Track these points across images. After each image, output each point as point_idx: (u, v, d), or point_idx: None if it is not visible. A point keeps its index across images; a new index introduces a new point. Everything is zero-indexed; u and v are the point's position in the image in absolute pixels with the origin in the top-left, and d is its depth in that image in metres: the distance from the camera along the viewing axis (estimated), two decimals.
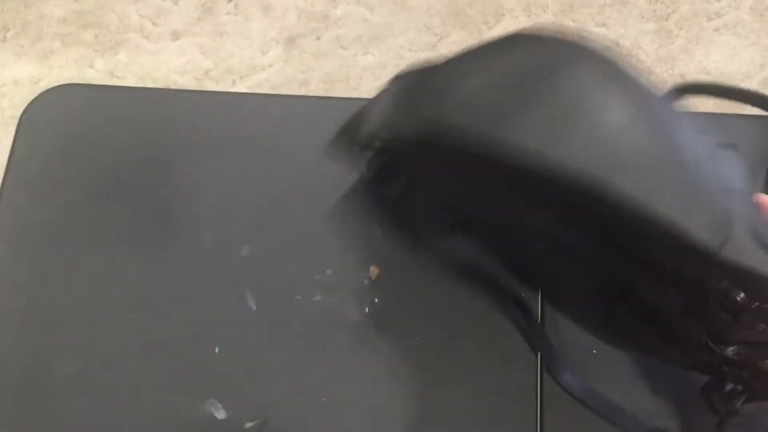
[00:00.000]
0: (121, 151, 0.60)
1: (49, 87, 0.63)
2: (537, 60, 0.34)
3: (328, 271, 0.51)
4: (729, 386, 0.37)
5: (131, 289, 0.55)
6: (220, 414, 0.49)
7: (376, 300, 0.50)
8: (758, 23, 1.13)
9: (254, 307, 0.51)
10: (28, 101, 0.62)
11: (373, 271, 0.51)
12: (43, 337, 0.54)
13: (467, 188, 0.40)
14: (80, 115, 0.62)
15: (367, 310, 0.50)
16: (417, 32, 1.10)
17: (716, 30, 1.13)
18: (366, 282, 0.51)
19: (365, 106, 0.44)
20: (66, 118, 0.62)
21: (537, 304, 0.48)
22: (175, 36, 1.07)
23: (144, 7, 1.10)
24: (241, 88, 1.05)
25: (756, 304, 0.33)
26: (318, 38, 1.09)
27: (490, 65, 0.35)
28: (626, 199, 0.31)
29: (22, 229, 0.58)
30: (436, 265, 0.49)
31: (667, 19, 1.14)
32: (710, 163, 0.33)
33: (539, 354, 0.46)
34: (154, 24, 1.08)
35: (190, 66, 1.05)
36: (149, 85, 1.07)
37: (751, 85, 1.09)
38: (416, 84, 0.39)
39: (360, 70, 1.07)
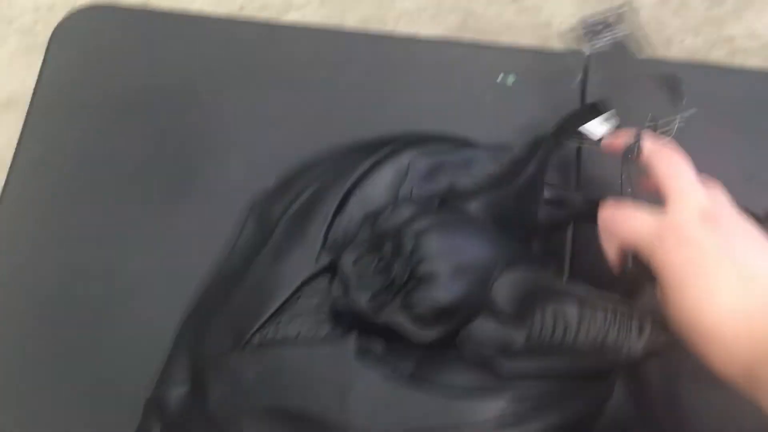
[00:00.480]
0: (150, 75, 0.59)
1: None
2: None
3: None
4: None
5: (157, 214, 0.54)
6: None
7: None
8: None
9: None
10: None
11: None
12: (69, 257, 0.54)
13: None
14: (110, 37, 0.61)
15: None
16: None
17: None
18: None
19: None
20: (96, 39, 0.61)
21: None
22: None
23: None
24: None
25: None
26: None
27: None
28: None
29: (50, 151, 0.58)
30: None
31: None
32: None
33: None
34: None
35: (226, 1, 1.03)
36: None
37: None
38: None
39: (397, 14, 1.05)
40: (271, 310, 0.42)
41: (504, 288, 0.40)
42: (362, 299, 0.39)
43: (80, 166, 0.57)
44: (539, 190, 0.46)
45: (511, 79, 0.53)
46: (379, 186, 0.46)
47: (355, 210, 0.45)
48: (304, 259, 0.43)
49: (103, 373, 0.50)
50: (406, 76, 0.56)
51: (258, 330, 0.42)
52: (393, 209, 0.42)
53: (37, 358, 0.51)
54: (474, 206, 0.44)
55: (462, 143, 0.48)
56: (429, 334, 0.39)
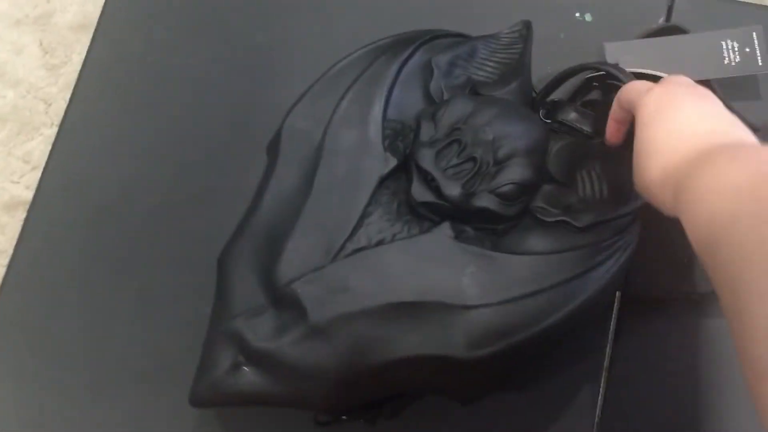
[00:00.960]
0: None
1: None
2: None
3: None
4: None
5: (219, 128, 0.57)
6: None
7: None
8: None
9: None
10: None
11: None
12: (128, 166, 0.57)
13: None
14: None
15: None
16: None
17: None
18: None
19: None
20: None
21: None
22: None
23: None
24: None
25: None
26: None
27: None
28: None
29: (117, 63, 0.60)
30: None
31: None
32: None
33: None
34: None
35: None
36: None
37: None
38: None
39: None
40: (356, 217, 0.44)
41: (555, 158, 0.46)
42: (455, 189, 0.43)
43: (145, 77, 0.60)
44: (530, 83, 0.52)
45: (588, 17, 0.57)
46: (411, 86, 0.48)
47: (395, 112, 0.47)
48: (372, 164, 0.45)
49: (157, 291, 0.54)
50: (479, 4, 0.59)
51: (347, 240, 0.44)
52: (449, 105, 0.45)
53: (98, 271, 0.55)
54: (499, 95, 0.49)
55: (459, 36, 0.52)
56: (513, 209, 0.44)
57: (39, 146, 1.12)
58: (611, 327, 0.51)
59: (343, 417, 0.49)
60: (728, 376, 0.50)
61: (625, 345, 0.51)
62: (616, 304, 0.52)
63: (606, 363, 0.51)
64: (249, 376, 0.44)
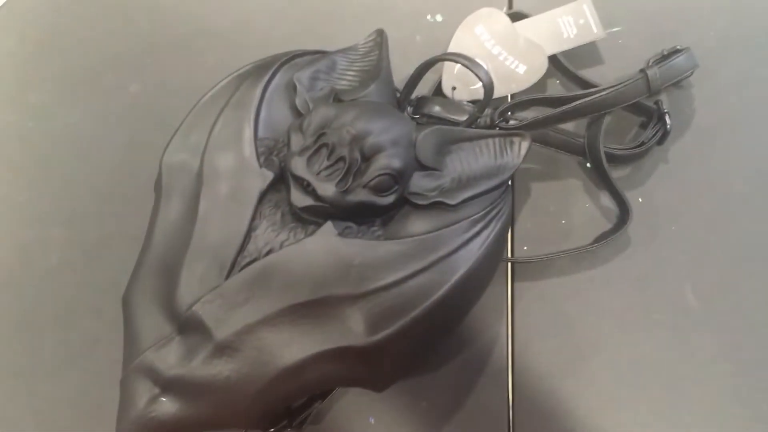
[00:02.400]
0: (91, 49, 0.62)
1: None
2: None
3: None
4: None
5: (106, 179, 0.58)
6: None
7: None
8: None
9: None
10: None
11: None
12: (22, 232, 0.56)
13: None
14: (52, 16, 0.63)
15: None
16: None
17: None
18: None
19: None
20: (39, 20, 0.64)
21: None
22: None
23: None
24: None
25: None
26: None
27: None
28: None
29: None
30: None
31: None
32: None
33: None
34: None
35: None
36: None
37: None
38: None
39: None
40: (243, 233, 0.46)
41: (422, 147, 0.49)
42: (330, 189, 0.46)
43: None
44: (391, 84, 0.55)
45: (439, 18, 0.61)
46: (277, 104, 0.51)
47: (267, 131, 0.50)
48: (251, 181, 0.48)
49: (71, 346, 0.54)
50: (338, 21, 0.62)
51: (237, 255, 0.46)
52: (313, 114, 0.48)
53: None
54: (361, 99, 0.52)
55: (318, 53, 0.55)
56: (388, 198, 0.47)
57: None
58: (507, 295, 0.55)
59: (271, 430, 0.50)
60: (617, 314, 0.54)
61: (524, 307, 0.54)
62: (508, 272, 0.55)
63: (508, 327, 0.54)
64: (168, 406, 0.46)
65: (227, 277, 0.46)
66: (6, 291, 0.56)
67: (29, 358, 0.54)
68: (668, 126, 0.55)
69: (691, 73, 0.57)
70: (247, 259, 0.46)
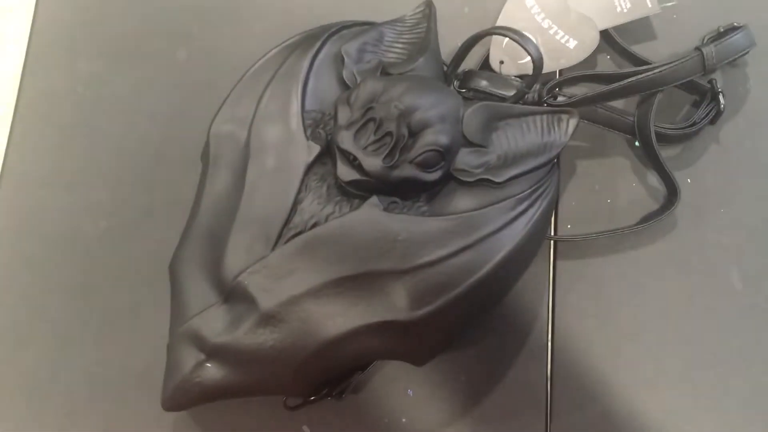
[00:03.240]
0: (137, 17, 0.63)
1: None
2: None
3: None
4: None
5: (154, 146, 0.59)
6: None
7: None
8: None
9: None
10: None
11: None
12: (71, 195, 0.58)
13: None
14: None
15: None
16: None
17: None
18: None
19: None
20: None
21: None
22: None
23: None
24: None
25: None
26: None
27: None
28: None
29: (48, 98, 0.61)
30: None
31: None
32: None
33: None
34: None
35: None
36: None
37: None
38: None
39: None
40: (289, 206, 0.47)
41: (469, 123, 0.49)
42: (377, 164, 0.46)
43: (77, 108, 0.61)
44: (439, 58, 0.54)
45: None
46: (325, 76, 0.51)
47: (313, 103, 0.50)
48: (297, 154, 0.48)
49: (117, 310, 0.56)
50: None
51: (284, 226, 0.46)
52: (360, 87, 0.48)
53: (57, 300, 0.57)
54: (409, 72, 0.52)
55: (366, 24, 0.55)
56: (435, 174, 0.47)
57: None
58: (550, 273, 0.54)
59: (312, 398, 0.51)
60: (666, 300, 0.53)
61: (565, 287, 0.54)
62: (551, 251, 0.55)
63: (550, 305, 0.54)
64: (213, 372, 0.47)
65: (273, 248, 0.46)
66: (55, 256, 0.57)
67: (78, 322, 0.56)
68: (722, 106, 0.54)
69: (747, 52, 0.55)
70: (293, 231, 0.46)
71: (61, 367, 0.55)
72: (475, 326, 0.52)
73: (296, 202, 0.47)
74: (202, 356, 0.47)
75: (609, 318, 0.53)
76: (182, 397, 0.47)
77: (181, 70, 0.61)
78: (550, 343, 0.53)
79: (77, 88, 0.62)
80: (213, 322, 0.47)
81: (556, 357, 0.53)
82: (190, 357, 0.47)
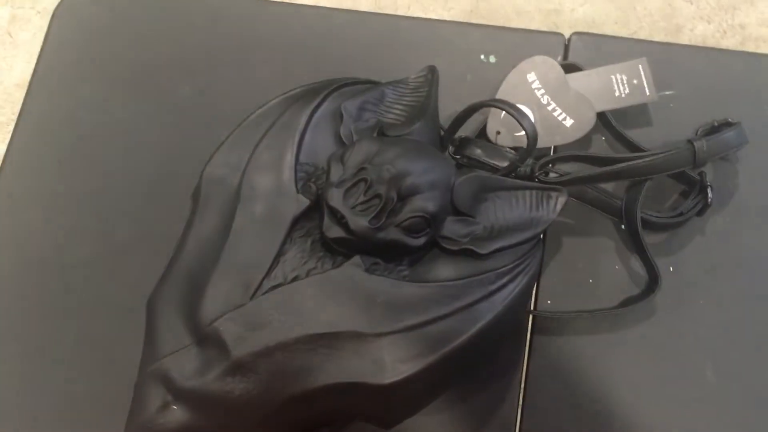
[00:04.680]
0: (147, 49, 0.64)
1: None
2: None
3: None
4: None
5: (148, 178, 0.60)
6: None
7: None
8: None
9: None
10: None
11: None
12: (61, 219, 0.59)
13: None
14: (112, 12, 0.65)
15: None
16: None
17: None
18: None
19: None
20: (98, 13, 0.65)
21: None
22: None
23: None
24: None
25: None
26: None
27: None
28: None
29: (49, 120, 0.62)
30: None
31: None
32: None
33: None
34: None
35: None
36: None
37: None
38: None
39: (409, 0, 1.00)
40: (272, 256, 0.47)
41: (459, 192, 0.49)
42: (363, 224, 0.46)
43: (76, 133, 0.62)
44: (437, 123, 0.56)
45: (492, 59, 0.62)
46: (322, 131, 0.52)
47: (308, 156, 0.51)
48: (286, 205, 0.48)
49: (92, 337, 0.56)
50: (393, 52, 0.63)
51: (265, 276, 0.47)
52: (355, 147, 0.48)
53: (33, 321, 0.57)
54: (406, 135, 0.52)
55: (369, 83, 0.56)
56: (419, 240, 0.47)
57: None
58: (525, 347, 0.54)
59: None
60: (637, 385, 0.53)
61: (540, 361, 0.54)
62: (529, 324, 0.55)
63: (522, 380, 0.54)
64: (178, 415, 0.46)
65: (252, 297, 0.46)
66: (37, 276, 0.57)
67: (50, 345, 0.55)
68: (709, 199, 0.55)
69: (739, 149, 0.56)
70: (273, 282, 0.46)
71: (27, 387, 0.54)
72: (446, 393, 0.52)
73: (279, 254, 0.47)
74: (169, 398, 0.46)
75: (581, 399, 0.53)
76: None
77: (183, 107, 0.62)
78: (518, 419, 0.53)
79: (78, 113, 0.62)
80: (184, 365, 0.46)
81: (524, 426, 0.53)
82: (157, 397, 0.47)
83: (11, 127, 0.66)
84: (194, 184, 0.52)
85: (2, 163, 0.61)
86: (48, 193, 0.60)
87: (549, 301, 0.56)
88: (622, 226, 0.57)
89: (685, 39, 1.03)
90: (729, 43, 1.03)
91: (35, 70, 0.64)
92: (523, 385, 0.54)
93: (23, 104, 0.63)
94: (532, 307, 0.55)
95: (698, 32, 1.05)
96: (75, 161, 0.61)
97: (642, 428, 0.52)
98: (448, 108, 0.56)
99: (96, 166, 0.60)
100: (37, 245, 0.58)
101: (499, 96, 0.59)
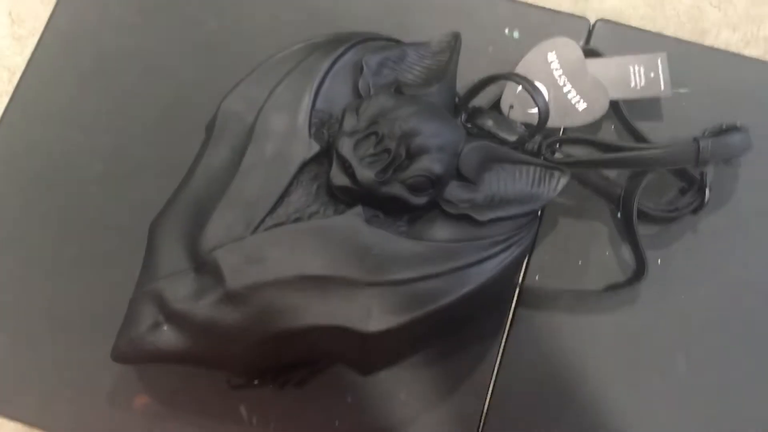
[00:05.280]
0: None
1: None
2: None
3: None
4: None
5: (164, 105, 0.61)
6: None
7: None
8: None
9: None
10: None
11: None
12: (74, 135, 0.60)
13: None
14: None
15: None
16: None
17: None
18: None
19: None
20: None
21: None
22: None
23: None
24: None
25: None
26: None
27: None
28: None
29: (73, 36, 0.63)
30: None
31: None
32: None
33: None
34: None
35: None
36: None
37: None
38: None
39: None
40: (277, 195, 0.48)
41: (465, 159, 0.50)
42: (369, 176, 0.47)
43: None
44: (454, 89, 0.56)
45: (516, 35, 0.63)
46: (341, 81, 0.52)
47: (324, 104, 0.52)
48: (297, 148, 0.49)
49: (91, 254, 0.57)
50: (419, 15, 0.63)
51: (268, 214, 0.48)
52: (371, 100, 0.49)
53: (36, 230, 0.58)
54: (422, 96, 0.53)
55: (392, 41, 0.57)
56: (421, 199, 0.49)
57: None
58: (508, 317, 0.56)
59: (255, 381, 0.53)
60: (611, 368, 0.55)
61: (520, 333, 0.56)
62: (515, 296, 0.57)
63: (501, 349, 0.56)
64: (167, 335, 0.48)
65: (253, 232, 0.48)
66: (45, 188, 0.59)
67: (50, 255, 0.57)
68: (706, 199, 0.56)
69: (743, 154, 0.57)
70: (275, 221, 0.48)
71: (22, 294, 0.56)
72: (425, 350, 0.54)
73: (284, 194, 0.48)
74: (161, 318, 0.48)
75: (554, 375, 0.55)
76: (132, 352, 0.49)
77: (208, 38, 0.63)
78: (492, 384, 0.55)
79: (103, 33, 0.63)
80: (178, 288, 0.48)
81: (495, 399, 0.55)
82: (149, 315, 0.48)
83: (31, 40, 0.67)
84: (208, 117, 0.53)
85: (23, 73, 0.62)
86: (65, 107, 0.61)
87: (537, 277, 0.57)
88: (618, 215, 0.58)
89: (708, 43, 1.03)
90: (751, 53, 1.03)
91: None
92: (500, 353, 0.55)
93: (50, 16, 0.63)
94: (520, 280, 0.57)
95: (722, 39, 1.05)
96: (95, 78, 0.62)
97: (610, 408, 0.54)
98: (465, 77, 0.57)
99: (115, 85, 0.61)
100: (48, 158, 0.60)
101: (517, 71, 0.60)
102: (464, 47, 0.55)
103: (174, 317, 0.48)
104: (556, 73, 0.60)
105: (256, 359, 0.49)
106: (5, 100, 1.12)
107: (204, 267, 0.48)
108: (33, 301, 0.56)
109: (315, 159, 0.49)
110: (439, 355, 0.55)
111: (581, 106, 0.59)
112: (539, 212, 0.53)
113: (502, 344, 0.56)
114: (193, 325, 0.47)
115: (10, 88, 1.15)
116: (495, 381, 0.55)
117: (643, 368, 0.55)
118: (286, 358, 0.51)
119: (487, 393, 0.55)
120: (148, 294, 0.49)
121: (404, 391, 0.54)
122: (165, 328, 0.48)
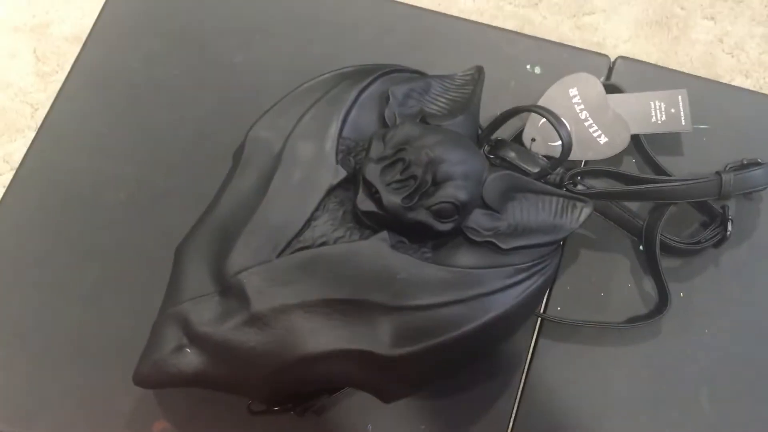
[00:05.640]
0: (207, 15, 0.66)
1: None
2: None
3: None
4: None
5: (191, 136, 0.62)
6: None
7: None
8: None
9: None
10: None
11: None
12: (101, 163, 0.61)
13: None
14: None
15: None
16: None
17: None
18: None
19: None
20: None
21: None
22: None
23: None
24: None
25: None
26: None
27: None
28: None
29: (102, 70, 0.65)
30: None
31: None
32: None
33: None
34: None
35: None
36: None
37: None
38: None
39: (457, 13, 1.03)
40: (304, 220, 0.49)
41: (489, 188, 0.51)
42: (395, 202, 0.48)
43: (130, 87, 0.64)
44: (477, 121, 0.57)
45: (538, 70, 0.64)
46: (368, 110, 0.54)
47: (351, 132, 0.53)
48: (324, 174, 0.50)
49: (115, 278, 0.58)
50: (443, 49, 0.65)
51: (294, 238, 0.49)
52: (398, 128, 0.50)
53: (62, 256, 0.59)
54: (448, 126, 0.54)
55: (417, 73, 0.58)
56: (446, 226, 0.49)
57: (21, 148, 1.16)
58: (530, 348, 0.56)
59: (275, 408, 0.52)
60: (632, 401, 0.55)
61: (541, 364, 0.56)
62: (536, 326, 0.56)
63: (522, 378, 0.55)
64: (191, 358, 0.48)
65: (279, 255, 0.48)
66: (74, 215, 0.60)
67: (75, 278, 0.58)
68: (728, 233, 0.56)
69: (764, 189, 0.58)
70: (301, 245, 0.48)
71: (47, 317, 0.56)
72: (448, 379, 0.53)
73: (311, 219, 0.49)
74: (185, 341, 0.48)
75: (575, 407, 0.55)
76: (155, 375, 0.49)
77: (234, 73, 0.65)
78: (513, 415, 0.54)
79: (133, 64, 0.65)
80: (203, 311, 0.48)
81: (516, 430, 0.54)
82: (173, 338, 0.48)
83: (54, 77, 0.68)
84: (232, 147, 0.54)
85: (53, 103, 0.64)
86: (94, 135, 0.62)
87: (559, 308, 0.57)
88: (641, 247, 0.58)
89: None
90: None
91: (97, 19, 0.66)
92: (522, 384, 0.55)
93: (80, 52, 0.65)
94: (542, 311, 0.57)
95: (735, 84, 1.07)
96: (123, 108, 0.63)
97: None
98: (488, 110, 0.58)
99: (143, 115, 0.63)
100: (77, 183, 0.61)
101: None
102: (487, 81, 0.57)
103: (198, 340, 0.48)
104: (578, 108, 0.61)
105: (278, 384, 0.49)
106: (29, 134, 1.16)
107: (229, 290, 0.48)
108: (56, 325, 0.56)
109: (341, 185, 0.50)
110: (460, 384, 0.54)
111: (603, 140, 0.60)
112: (562, 243, 0.53)
113: (524, 375, 0.55)
114: (217, 348, 0.48)
115: (33, 123, 1.18)
116: (516, 412, 0.54)
117: (665, 402, 0.55)
118: (308, 384, 0.50)
119: (508, 424, 0.54)
120: (172, 316, 0.49)
121: (425, 421, 0.54)
122: (189, 350, 0.48)
